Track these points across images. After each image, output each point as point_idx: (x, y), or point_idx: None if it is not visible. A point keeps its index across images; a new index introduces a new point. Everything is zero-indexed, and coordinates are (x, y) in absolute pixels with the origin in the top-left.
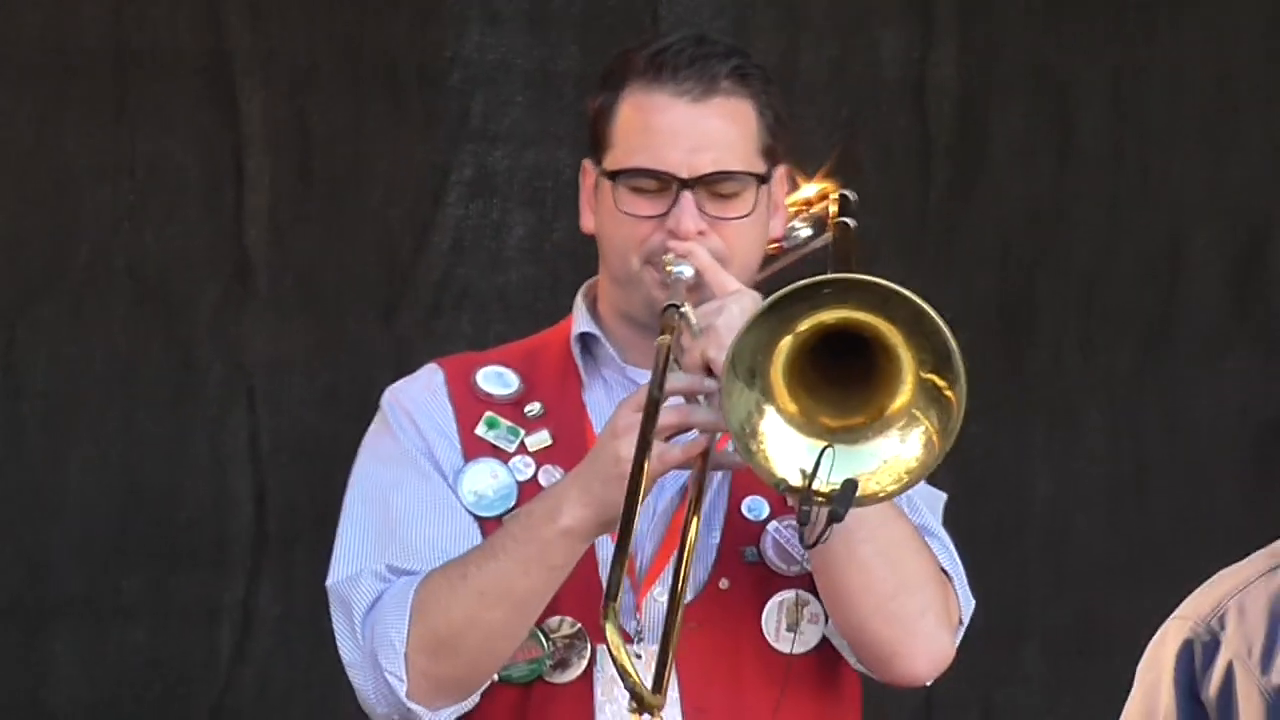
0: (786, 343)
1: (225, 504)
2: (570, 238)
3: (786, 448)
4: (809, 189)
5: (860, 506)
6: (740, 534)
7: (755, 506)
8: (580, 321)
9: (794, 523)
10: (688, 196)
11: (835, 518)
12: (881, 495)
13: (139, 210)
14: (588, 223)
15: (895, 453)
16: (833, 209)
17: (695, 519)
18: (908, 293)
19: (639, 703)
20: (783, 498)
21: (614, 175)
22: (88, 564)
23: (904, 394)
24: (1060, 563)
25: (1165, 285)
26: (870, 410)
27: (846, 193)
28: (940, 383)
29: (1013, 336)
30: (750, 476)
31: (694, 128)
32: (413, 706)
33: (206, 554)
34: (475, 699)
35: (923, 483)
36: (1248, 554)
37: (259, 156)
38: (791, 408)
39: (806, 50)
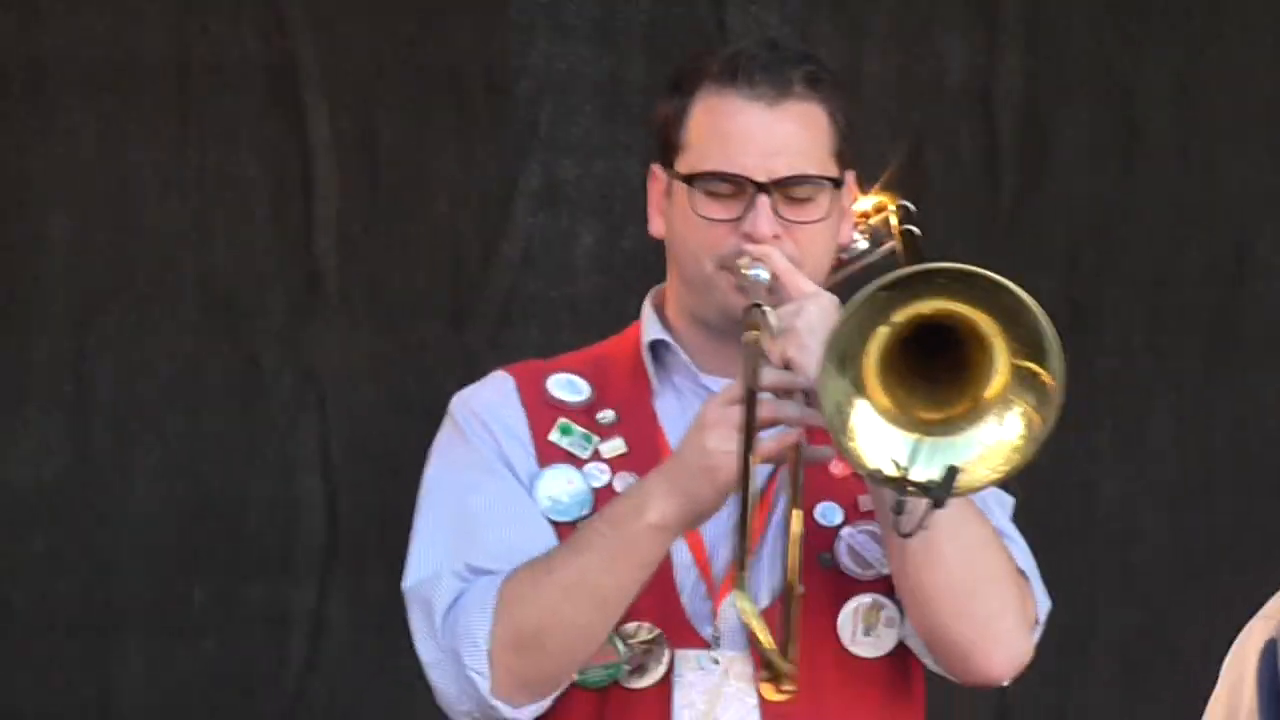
0: (882, 333)
1: (294, 512)
2: (639, 247)
3: (879, 439)
4: (866, 202)
5: (963, 494)
6: (814, 540)
7: (828, 513)
8: (650, 329)
9: (868, 528)
10: (764, 200)
11: (938, 504)
12: (988, 480)
13: (206, 221)
14: (657, 227)
15: (996, 437)
16: (894, 219)
17: (797, 511)
18: (1010, 284)
19: (771, 672)
20: (855, 503)
21: (689, 179)
22: (156, 573)
23: (998, 381)
24: (1128, 565)
25: (1232, 287)
26: (965, 401)
27: (907, 204)
28: (1035, 368)
29: (1080, 339)
30: (823, 482)
31: (768, 131)
32: (496, 703)
33: (276, 563)
34: (550, 702)
35: (993, 486)
36: None
37: (326, 166)
38: (884, 399)
39: (871, 58)
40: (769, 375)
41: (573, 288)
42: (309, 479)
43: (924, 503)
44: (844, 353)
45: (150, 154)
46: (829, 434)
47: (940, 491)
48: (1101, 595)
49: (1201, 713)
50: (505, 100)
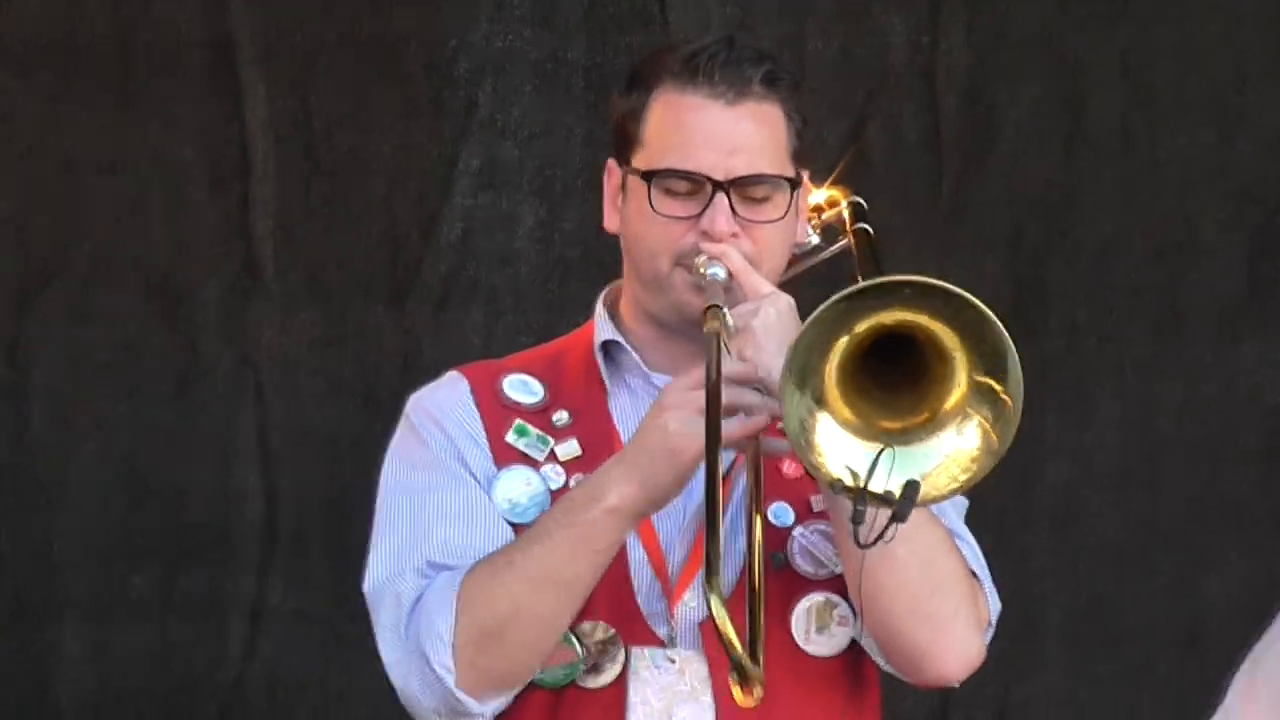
0: (842, 344)
1: (233, 498)
2: (579, 228)
3: (840, 449)
4: (818, 195)
5: (922, 506)
6: (767, 540)
7: (780, 513)
8: (603, 329)
9: (820, 528)
10: (722, 198)
11: (899, 518)
12: (946, 491)
13: (144, 202)
14: (612, 223)
15: (955, 447)
16: (847, 216)
17: (757, 508)
18: (972, 298)
19: (741, 675)
20: (808, 504)
21: (647, 176)
22: (95, 560)
23: (957, 394)
24: (1072, 548)
25: (1178, 268)
26: (923, 411)
27: (859, 200)
28: (995, 385)
29: (1024, 321)
30: (775, 482)
31: (727, 130)
32: (461, 697)
33: (215, 549)
34: (512, 697)
35: (953, 496)
36: (1260, 539)
37: (264, 147)
38: (845, 410)
39: (813, 38)
40: (734, 366)
41: (513, 269)
42: (247, 464)
43: (883, 514)
44: (804, 366)
45: (88, 135)
46: (793, 448)
47: (903, 505)
48: (1046, 579)
49: (1143, 695)
50: (445, 81)
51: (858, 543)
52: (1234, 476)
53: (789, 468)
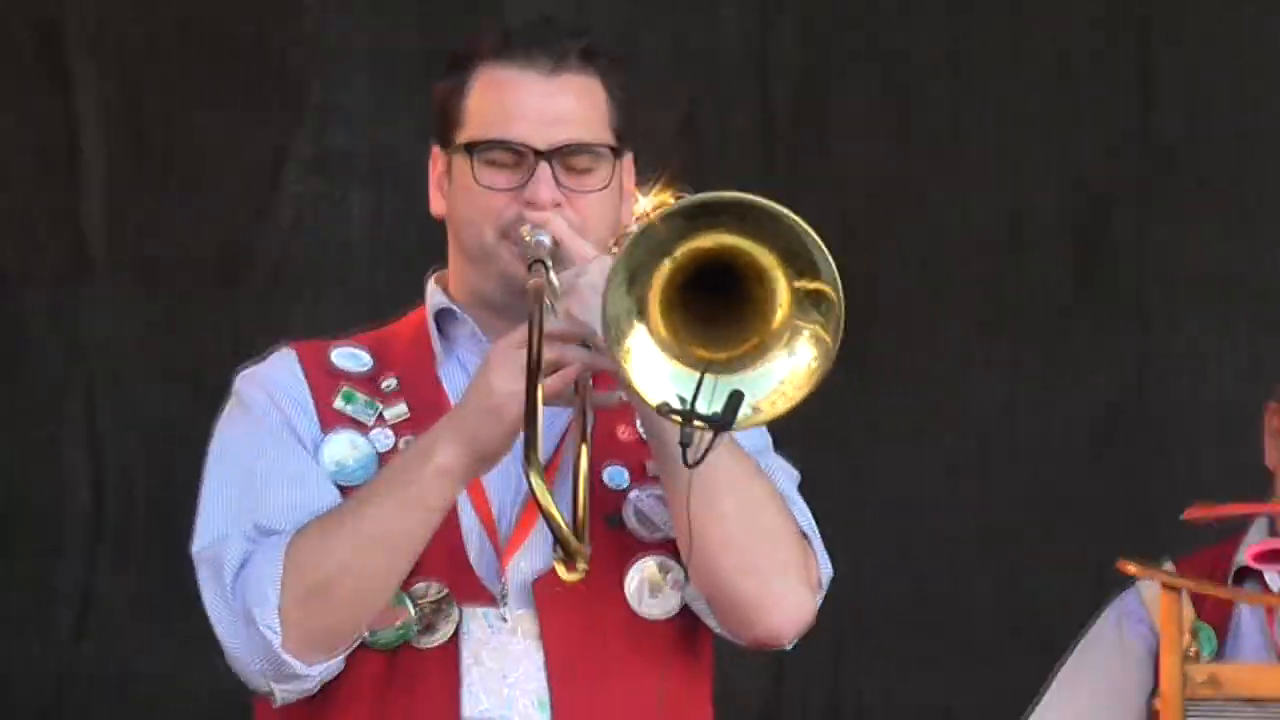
0: (664, 268)
1: (62, 484)
2: (410, 216)
3: (656, 368)
4: (645, 202)
5: (760, 424)
6: (601, 502)
7: (616, 475)
8: (435, 299)
9: (655, 491)
10: (544, 167)
11: (724, 426)
12: (786, 409)
13: None
14: (438, 206)
15: (790, 368)
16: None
17: (585, 448)
18: (780, 207)
19: (565, 550)
20: (643, 466)
21: (469, 149)
22: None
23: (781, 312)
24: (904, 542)
25: (1007, 262)
26: (751, 337)
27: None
28: (814, 285)
29: (855, 314)
30: (610, 445)
31: (547, 101)
32: (287, 659)
33: (43, 535)
34: (341, 660)
35: (778, 457)
36: (1088, 531)
37: (94, 134)
38: (663, 330)
39: (646, 28)
40: (554, 322)
41: (343, 257)
42: (76, 450)
43: (708, 436)
44: (632, 277)
45: None
46: (616, 372)
47: (726, 413)
48: (876, 566)
49: (978, 685)
50: (277, 67)
51: (685, 463)
52: (1062, 469)
53: (624, 432)
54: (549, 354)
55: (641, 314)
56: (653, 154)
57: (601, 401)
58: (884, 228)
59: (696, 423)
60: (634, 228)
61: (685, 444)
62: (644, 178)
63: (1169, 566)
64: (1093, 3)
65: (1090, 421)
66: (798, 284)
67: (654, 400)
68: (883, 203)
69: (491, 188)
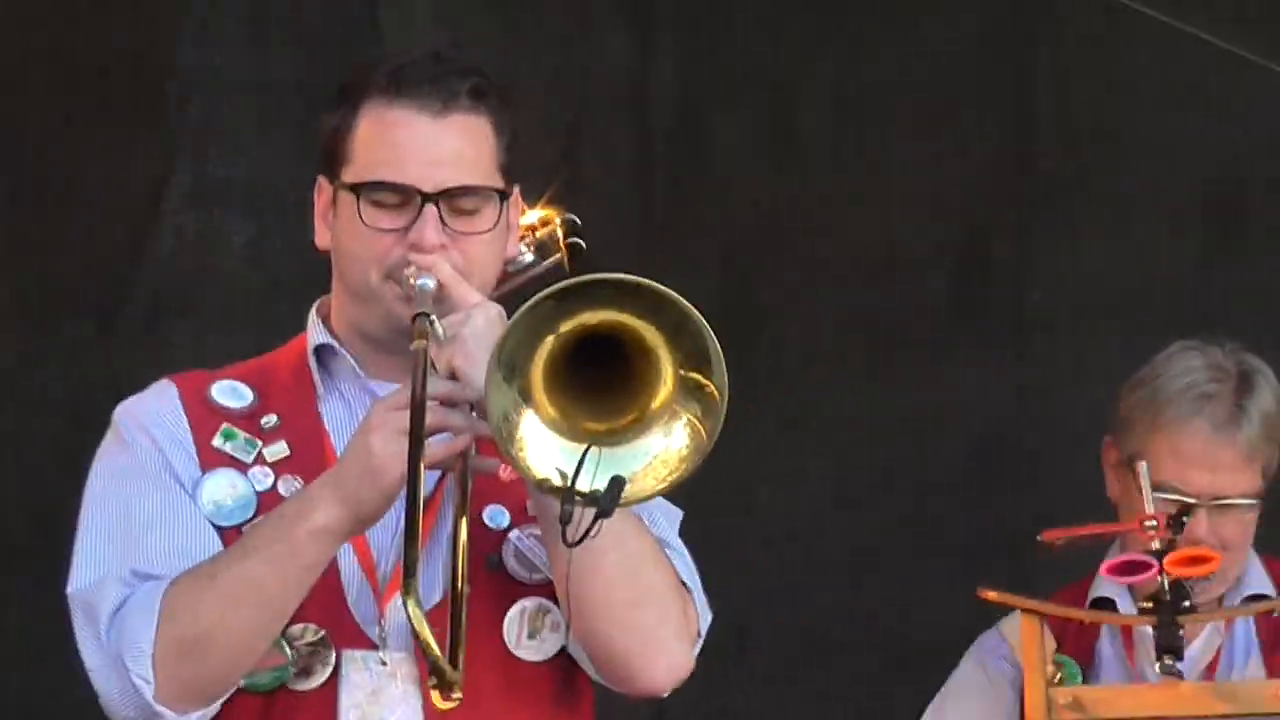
0: (548, 343)
1: None
2: (290, 247)
3: (546, 448)
4: (532, 215)
5: (630, 504)
6: (482, 542)
7: (496, 515)
8: (316, 335)
9: (535, 532)
10: (431, 210)
11: (604, 514)
12: (654, 490)
13: None
14: (323, 239)
15: (663, 447)
16: (560, 233)
17: (464, 519)
18: (674, 295)
19: (440, 679)
20: (524, 507)
21: (355, 189)
22: None
23: (664, 392)
24: (787, 568)
25: (886, 289)
26: (632, 411)
27: (573, 217)
28: (701, 379)
29: (736, 341)
30: (491, 486)
31: (435, 143)
32: (160, 709)
33: None
34: (217, 707)
35: (661, 498)
36: (968, 559)
37: None
38: (551, 409)
39: (525, 58)
40: (436, 384)
41: (223, 288)
42: None
43: (590, 512)
44: (511, 363)
45: None
46: (497, 444)
47: (606, 502)
48: (759, 596)
49: (850, 713)
50: (156, 98)
51: (564, 541)
52: (941, 496)
53: (506, 472)
54: (431, 420)
55: (527, 400)
56: (536, 173)
57: (482, 468)
58: (763, 256)
59: (577, 500)
60: (500, 328)
61: (565, 522)
62: (528, 197)
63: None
64: (969, 32)
65: (969, 449)
66: (684, 372)
67: (537, 476)
68: (762, 231)
69: (377, 228)
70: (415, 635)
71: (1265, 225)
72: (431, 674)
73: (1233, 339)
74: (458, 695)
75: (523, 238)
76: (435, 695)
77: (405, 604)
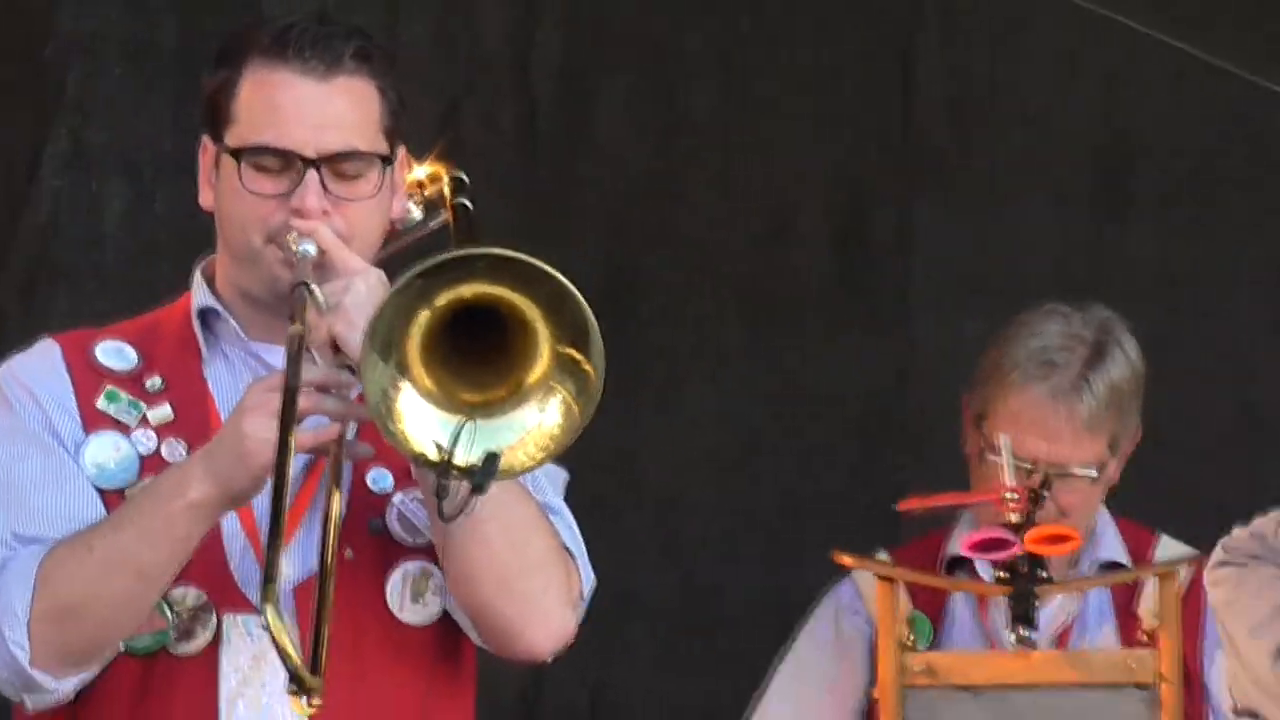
0: (423, 317)
1: None
2: (170, 212)
3: (424, 423)
4: (420, 171)
5: (503, 479)
6: (365, 505)
7: (380, 478)
8: (200, 296)
9: (418, 495)
10: (313, 175)
11: (478, 489)
12: (525, 466)
13: None
14: (206, 199)
15: (536, 422)
16: (447, 191)
17: (336, 494)
18: (551, 270)
19: (299, 685)
20: (407, 470)
21: (237, 153)
22: None
23: (540, 366)
24: (669, 538)
25: (772, 258)
26: (507, 384)
27: (460, 175)
28: (577, 355)
29: (620, 310)
30: (377, 448)
31: (319, 106)
32: (36, 675)
33: None
34: (94, 673)
35: (532, 471)
36: (853, 529)
37: None
38: (427, 383)
39: (408, 23)
40: (315, 372)
41: (101, 253)
42: None
43: (466, 487)
44: (386, 339)
45: None
46: (375, 423)
47: (481, 478)
48: (642, 564)
49: (733, 683)
50: (31, 62)
51: (442, 516)
52: (827, 467)
53: None
54: (305, 404)
55: (404, 373)
56: (420, 139)
57: (356, 454)
58: (647, 223)
59: (453, 474)
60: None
61: (441, 496)
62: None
63: (884, 556)
64: (853, 0)
65: (852, 417)
66: (561, 348)
67: (415, 450)
68: (647, 198)
69: (259, 193)
70: (273, 641)
71: (1152, 196)
72: (290, 681)
73: (1114, 308)
74: (316, 702)
75: (411, 194)
76: (293, 701)
77: (264, 611)
